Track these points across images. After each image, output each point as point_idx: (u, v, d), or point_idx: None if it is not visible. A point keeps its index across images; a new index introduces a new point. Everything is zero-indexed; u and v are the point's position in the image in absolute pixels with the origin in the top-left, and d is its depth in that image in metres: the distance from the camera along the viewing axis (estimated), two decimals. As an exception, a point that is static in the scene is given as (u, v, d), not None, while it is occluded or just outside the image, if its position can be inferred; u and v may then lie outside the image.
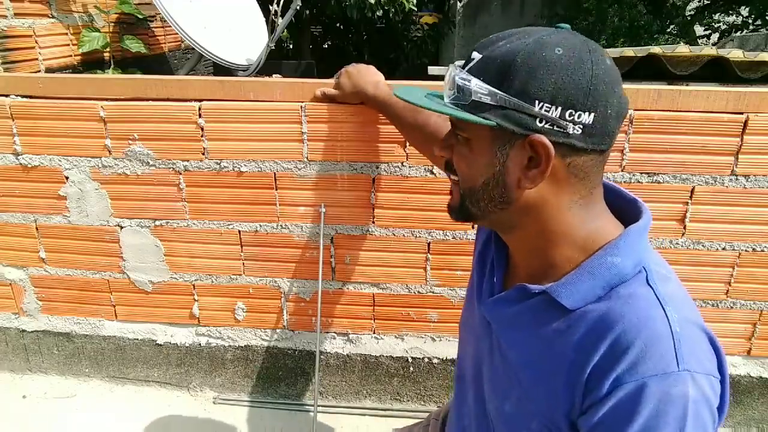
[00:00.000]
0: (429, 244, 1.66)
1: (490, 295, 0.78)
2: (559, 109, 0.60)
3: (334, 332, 1.82)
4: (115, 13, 2.43)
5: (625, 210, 0.71)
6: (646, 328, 0.58)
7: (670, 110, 1.42)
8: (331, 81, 1.49)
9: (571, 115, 0.60)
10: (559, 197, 0.66)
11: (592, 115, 0.61)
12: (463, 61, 0.68)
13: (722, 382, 0.59)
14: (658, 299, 0.60)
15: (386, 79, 1.40)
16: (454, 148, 0.71)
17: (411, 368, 1.85)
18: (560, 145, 0.62)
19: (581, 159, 0.63)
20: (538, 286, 0.68)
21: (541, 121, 0.61)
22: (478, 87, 0.63)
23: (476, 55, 0.65)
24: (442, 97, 0.69)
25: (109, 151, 1.64)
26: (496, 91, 0.62)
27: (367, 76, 1.37)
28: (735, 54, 1.89)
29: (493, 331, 0.76)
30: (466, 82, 0.64)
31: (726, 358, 0.61)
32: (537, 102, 0.60)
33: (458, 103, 0.66)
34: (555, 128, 0.61)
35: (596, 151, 0.63)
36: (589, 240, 0.67)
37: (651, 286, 0.61)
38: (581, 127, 0.61)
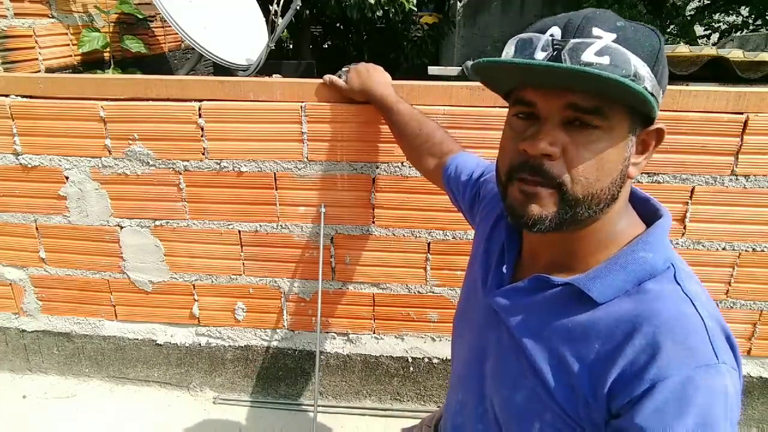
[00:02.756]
0: (429, 244, 1.66)
1: (498, 285, 0.76)
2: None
3: (334, 332, 1.82)
4: (115, 13, 2.43)
5: (638, 207, 0.72)
6: (681, 324, 0.57)
7: (670, 110, 1.42)
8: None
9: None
10: (628, 189, 0.68)
11: None
12: (558, 40, 0.57)
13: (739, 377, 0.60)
14: (688, 296, 0.60)
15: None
16: (579, 145, 0.59)
17: (411, 368, 1.85)
18: None
19: None
20: (561, 278, 0.66)
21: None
22: (642, 66, 0.56)
23: (601, 32, 0.56)
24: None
25: (109, 151, 1.64)
26: (653, 74, 0.58)
27: (376, 75, 1.37)
28: (735, 54, 1.89)
29: (503, 322, 0.73)
30: (630, 59, 0.56)
31: (741, 357, 0.61)
32: (663, 92, 0.62)
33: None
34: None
35: None
36: (620, 232, 0.67)
37: (679, 284, 0.61)
38: None
